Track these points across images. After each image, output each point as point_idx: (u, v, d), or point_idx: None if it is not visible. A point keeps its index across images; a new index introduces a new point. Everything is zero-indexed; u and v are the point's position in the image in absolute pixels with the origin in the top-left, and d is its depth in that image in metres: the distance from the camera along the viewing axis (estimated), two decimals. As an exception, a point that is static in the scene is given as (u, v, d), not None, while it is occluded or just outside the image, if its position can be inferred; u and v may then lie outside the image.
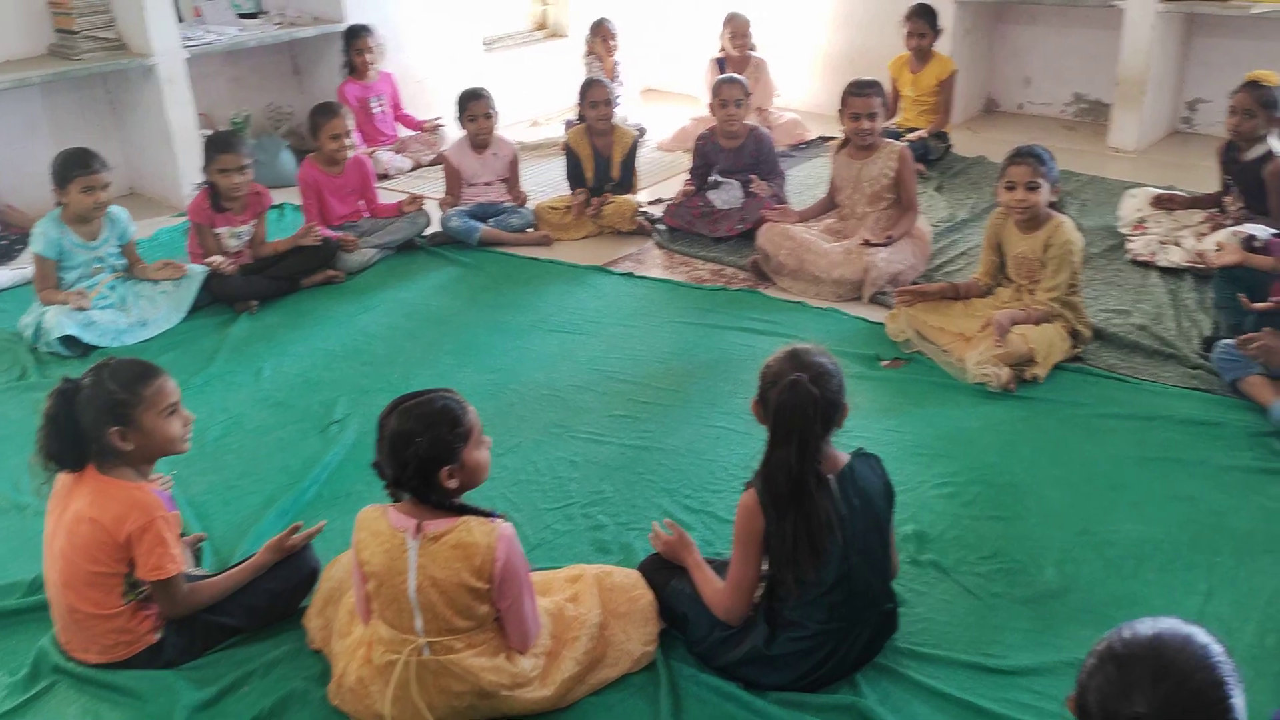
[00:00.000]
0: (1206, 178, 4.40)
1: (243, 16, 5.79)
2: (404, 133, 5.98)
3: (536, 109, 6.78)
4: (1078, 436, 3.10)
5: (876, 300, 4.02)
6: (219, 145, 4.13)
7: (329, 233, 4.41)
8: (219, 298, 4.14)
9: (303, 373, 3.67)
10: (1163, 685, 1.26)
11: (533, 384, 3.52)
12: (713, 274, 4.39)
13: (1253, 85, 3.97)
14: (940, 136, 5.57)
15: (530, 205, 4.94)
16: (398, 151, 5.86)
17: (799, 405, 2.03)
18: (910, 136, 5.40)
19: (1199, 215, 4.30)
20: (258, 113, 5.92)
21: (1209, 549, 2.58)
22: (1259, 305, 3.34)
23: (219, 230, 4.21)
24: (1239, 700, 1.26)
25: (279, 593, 2.37)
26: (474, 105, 4.80)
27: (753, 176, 4.76)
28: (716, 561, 2.34)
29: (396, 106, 5.95)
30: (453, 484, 2.00)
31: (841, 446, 2.24)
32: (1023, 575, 2.53)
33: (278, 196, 5.03)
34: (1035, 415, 3.22)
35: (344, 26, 5.70)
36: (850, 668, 2.20)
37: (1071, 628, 2.33)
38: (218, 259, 4.12)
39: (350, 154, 4.56)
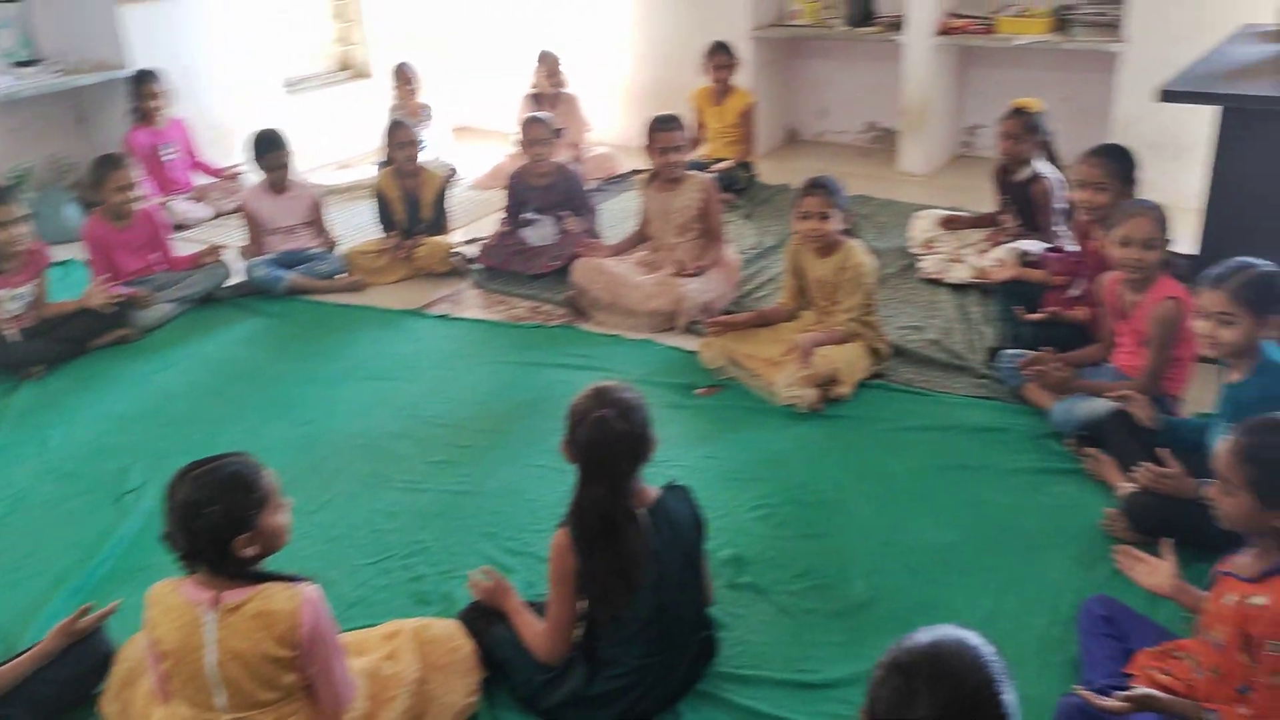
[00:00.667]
0: (987, 197, 4.70)
1: (19, 65, 5.47)
2: (202, 180, 5.76)
3: (344, 151, 6.66)
4: (881, 450, 3.25)
5: (690, 329, 4.11)
6: (-11, 199, 3.88)
7: (119, 290, 4.20)
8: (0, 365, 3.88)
9: (95, 439, 3.48)
10: (941, 690, 1.33)
11: (347, 435, 3.44)
12: (530, 311, 4.41)
13: (1018, 112, 4.28)
14: (745, 166, 5.76)
15: (341, 250, 4.84)
16: (196, 200, 5.65)
17: (606, 442, 2.06)
18: (716, 167, 5.58)
19: (980, 233, 4.58)
20: (39, 165, 5.60)
21: (1000, 549, 2.75)
22: (1033, 316, 3.60)
23: (-4, 293, 3.95)
24: (1010, 697, 1.35)
25: (67, 681, 2.21)
26: (269, 149, 4.68)
27: (566, 213, 4.82)
28: (538, 603, 2.34)
29: (191, 154, 5.73)
30: (249, 552, 1.93)
31: (660, 476, 2.29)
32: (833, 590, 2.63)
33: (65, 253, 4.77)
34: (841, 433, 3.36)
35: (129, 73, 5.47)
36: (672, 698, 2.24)
37: (879, 637, 2.41)
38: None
39: (138, 206, 4.36)
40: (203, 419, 3.59)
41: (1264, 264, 2.51)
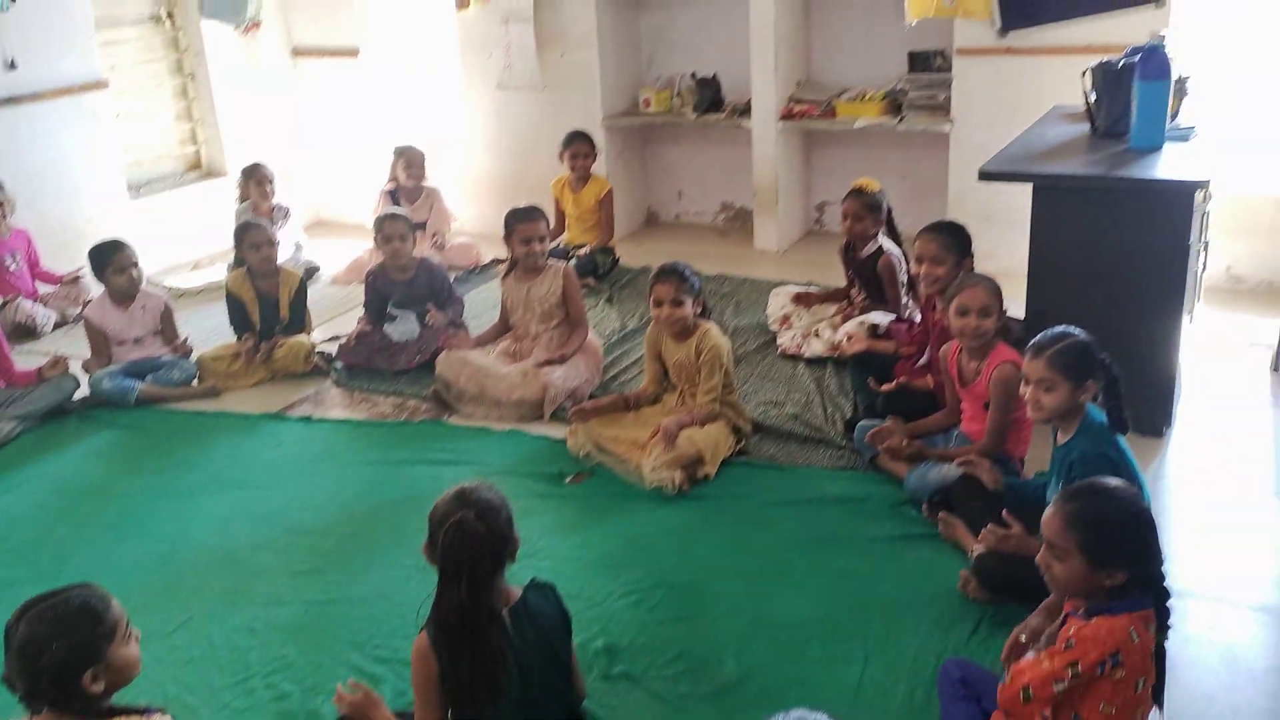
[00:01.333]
0: (839, 272, 4.91)
1: None
2: (45, 289, 5.56)
3: (196, 251, 6.53)
4: (746, 527, 3.33)
5: (557, 418, 4.15)
6: None
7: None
8: None
9: (-70, 572, 3.28)
10: None
11: (205, 549, 3.34)
12: (395, 408, 4.38)
13: (858, 192, 4.51)
14: (606, 251, 5.88)
15: (194, 356, 4.73)
16: (41, 304, 5.44)
17: (465, 544, 2.07)
18: (578, 253, 5.68)
19: (832, 308, 4.78)
20: None
21: (863, 618, 2.83)
22: (884, 387, 3.77)
23: None
24: None
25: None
26: (113, 259, 4.56)
27: (429, 306, 4.83)
28: (408, 713, 2.31)
29: (35, 264, 5.54)
30: (98, 688, 1.86)
31: (531, 567, 2.30)
32: (705, 671, 2.66)
33: (-105, 373, 4.51)
34: (708, 513, 3.43)
35: (-37, 183, 5.28)
36: (547, 797, 2.23)
37: (751, 714, 2.47)
38: None
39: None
40: (50, 543, 3.42)
41: (1078, 333, 2.70)
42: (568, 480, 3.68)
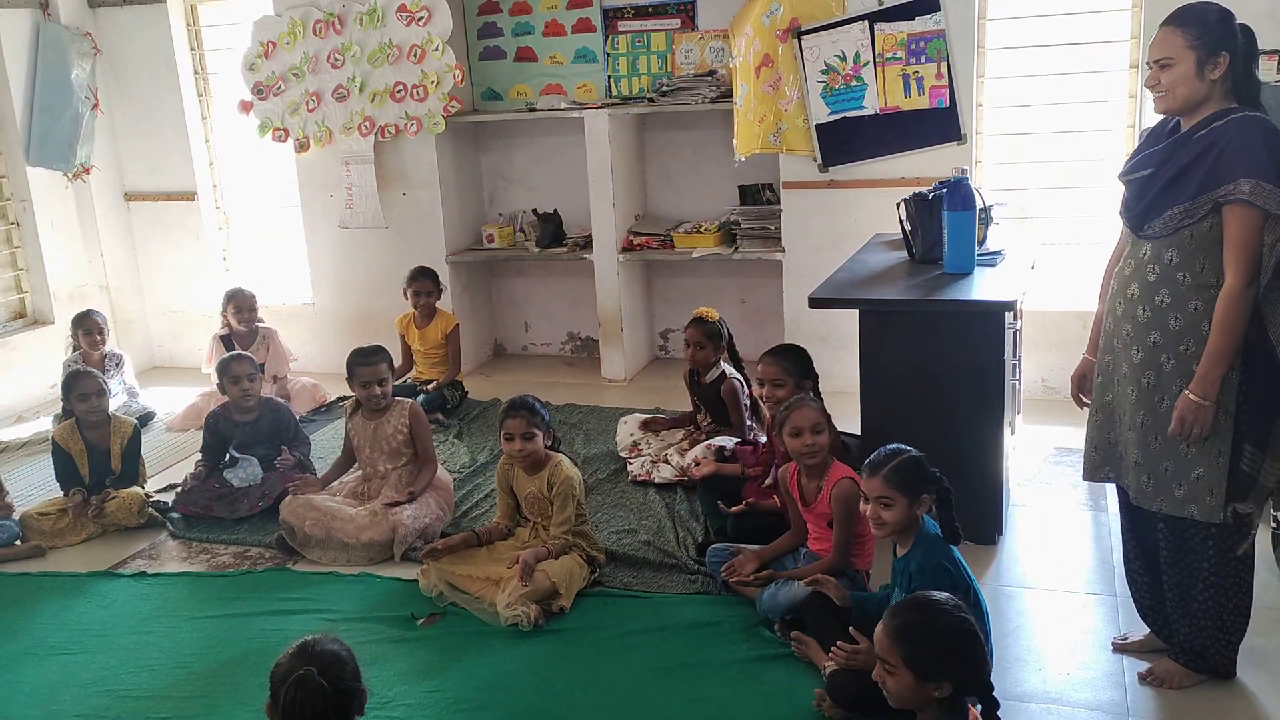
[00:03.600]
0: (685, 398, 5.04)
1: None
2: None
3: (20, 403, 6.22)
4: (604, 659, 3.31)
5: (408, 558, 4.06)
6: None
7: None
8: None
9: None
10: None
11: (27, 724, 3.10)
12: (236, 558, 4.21)
13: (698, 321, 4.68)
14: (454, 385, 5.88)
15: (17, 514, 4.46)
16: None
17: (308, 701, 2.01)
18: (425, 388, 5.66)
19: (680, 433, 4.88)
20: None
21: (723, 744, 2.85)
22: (733, 509, 3.86)
23: None
24: None
25: None
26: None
27: (282, 447, 4.71)
28: None
29: None
30: None
31: (384, 717, 2.23)
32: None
33: None
34: (565, 647, 3.39)
35: None
36: None
37: None
38: None
39: None
40: None
41: (909, 450, 2.86)
42: (420, 622, 3.60)
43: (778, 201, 5.80)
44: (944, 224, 3.99)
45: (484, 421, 5.63)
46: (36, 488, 4.87)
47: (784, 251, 5.73)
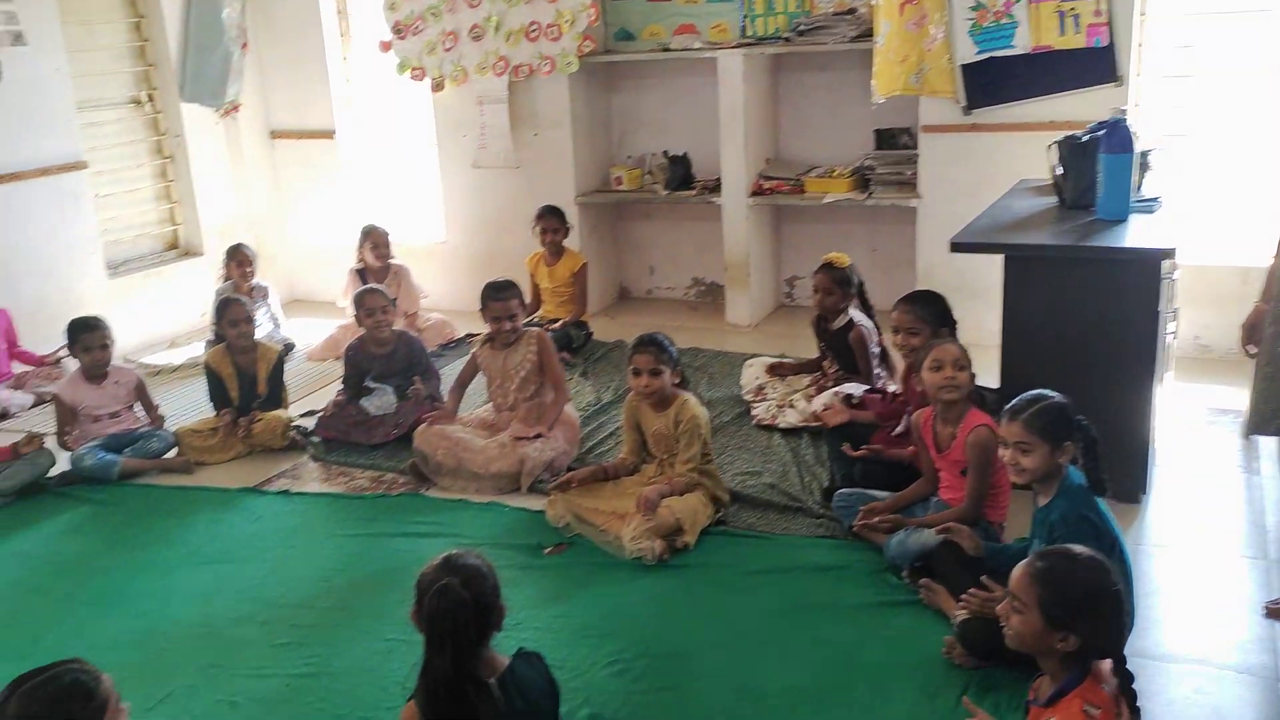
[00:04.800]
0: (810, 344, 4.98)
1: None
2: (21, 369, 5.54)
3: (173, 329, 6.54)
4: (728, 596, 3.33)
5: (534, 489, 4.15)
6: None
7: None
8: None
9: (-99, 653, 3.22)
10: None
11: (185, 624, 3.29)
12: (372, 481, 4.36)
13: (828, 267, 4.60)
14: (579, 325, 5.94)
15: (171, 429, 4.72)
16: (16, 387, 5.41)
17: (449, 610, 2.07)
18: (551, 327, 5.73)
19: (806, 379, 4.84)
20: None
21: (849, 686, 2.83)
22: (858, 452, 3.81)
23: None
24: None
25: None
26: (86, 336, 4.57)
27: (414, 379, 4.84)
28: (394, 785, 2.29)
29: (12, 344, 5.52)
30: (89, 763, 1.84)
31: (514, 637, 2.30)
32: (692, 742, 2.65)
33: None
34: (689, 582, 3.42)
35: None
36: None
37: (740, 784, 2.46)
38: None
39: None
40: (26, 621, 3.37)
41: (1054, 395, 2.77)
42: (547, 551, 3.68)
43: (915, 146, 5.64)
44: (1099, 167, 3.82)
45: (609, 361, 5.69)
46: (190, 408, 5.13)
47: (920, 198, 5.58)
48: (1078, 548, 2.23)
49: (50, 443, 4.49)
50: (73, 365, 4.88)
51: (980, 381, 3.82)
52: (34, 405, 5.35)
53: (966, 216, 4.23)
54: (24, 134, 5.68)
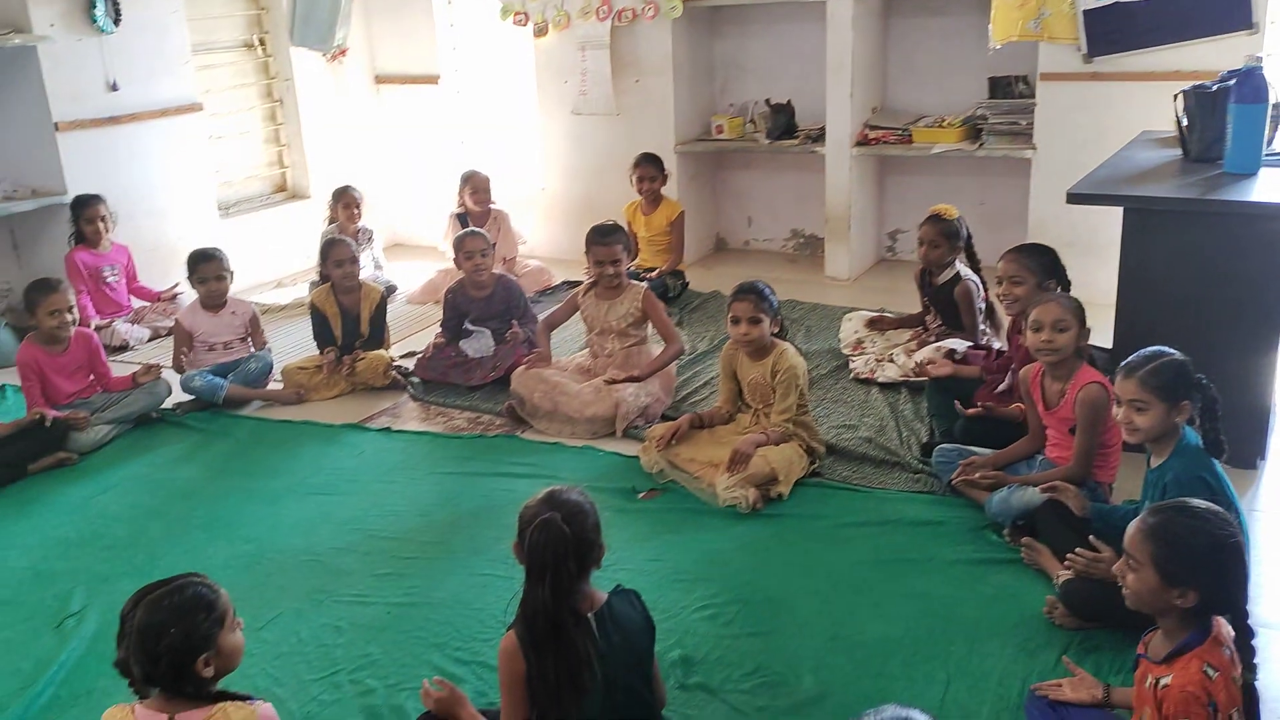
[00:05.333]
0: (911, 299, 4.88)
1: (-48, 192, 5.47)
2: (139, 304, 5.76)
3: (280, 270, 6.71)
4: (822, 547, 3.31)
5: (629, 434, 4.17)
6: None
7: (55, 413, 4.16)
8: (-69, 493, 3.81)
9: (32, 565, 3.40)
10: None
11: (291, 551, 3.41)
12: (470, 422, 4.44)
13: (935, 219, 4.48)
14: (676, 274, 5.92)
15: (277, 365, 4.86)
16: (134, 322, 5.64)
17: (550, 544, 2.10)
18: (647, 276, 5.72)
19: (907, 334, 4.75)
20: (-29, 291, 5.57)
21: (944, 640, 2.80)
22: (969, 410, 3.72)
23: (-73, 420, 3.89)
24: None
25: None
26: (205, 267, 4.73)
27: (511, 323, 4.89)
28: (491, 711, 2.34)
29: (132, 279, 5.74)
30: (209, 672, 1.93)
31: (607, 578, 2.32)
32: (783, 686, 2.65)
33: (-1, 379, 4.72)
34: (783, 531, 3.41)
35: (68, 199, 5.49)
36: (627, 801, 2.23)
37: (830, 730, 2.46)
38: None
39: (72, 330, 4.34)
40: (144, 541, 3.53)
41: (1173, 353, 2.66)
42: (640, 496, 3.70)
43: (1032, 95, 5.44)
44: (1228, 118, 3.63)
45: (704, 311, 5.66)
46: (295, 347, 5.27)
47: (1034, 149, 5.39)
48: (1194, 501, 2.15)
49: (167, 374, 4.66)
50: (189, 300, 5.05)
51: (1092, 341, 3.70)
52: (150, 339, 5.57)
53: (1084, 169, 4.07)
54: (143, 76, 5.86)
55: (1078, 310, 3.22)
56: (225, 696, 1.96)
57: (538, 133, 6.84)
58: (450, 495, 3.78)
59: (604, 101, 6.49)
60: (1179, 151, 4.00)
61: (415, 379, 4.86)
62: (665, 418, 4.19)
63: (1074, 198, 3.61)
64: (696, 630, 2.89)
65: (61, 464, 4.11)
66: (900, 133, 5.85)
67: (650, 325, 4.51)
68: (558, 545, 2.10)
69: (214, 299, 4.77)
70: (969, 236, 4.54)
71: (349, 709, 2.61)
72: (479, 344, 4.87)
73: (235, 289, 5.00)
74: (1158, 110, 4.31)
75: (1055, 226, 5.16)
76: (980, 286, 4.50)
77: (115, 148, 5.76)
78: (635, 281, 4.61)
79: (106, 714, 1.96)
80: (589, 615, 2.17)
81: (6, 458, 3.98)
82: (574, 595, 2.13)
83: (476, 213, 6.22)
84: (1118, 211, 3.60)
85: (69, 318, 4.28)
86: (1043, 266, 3.68)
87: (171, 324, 5.51)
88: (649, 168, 5.89)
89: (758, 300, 3.70)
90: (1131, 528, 2.11)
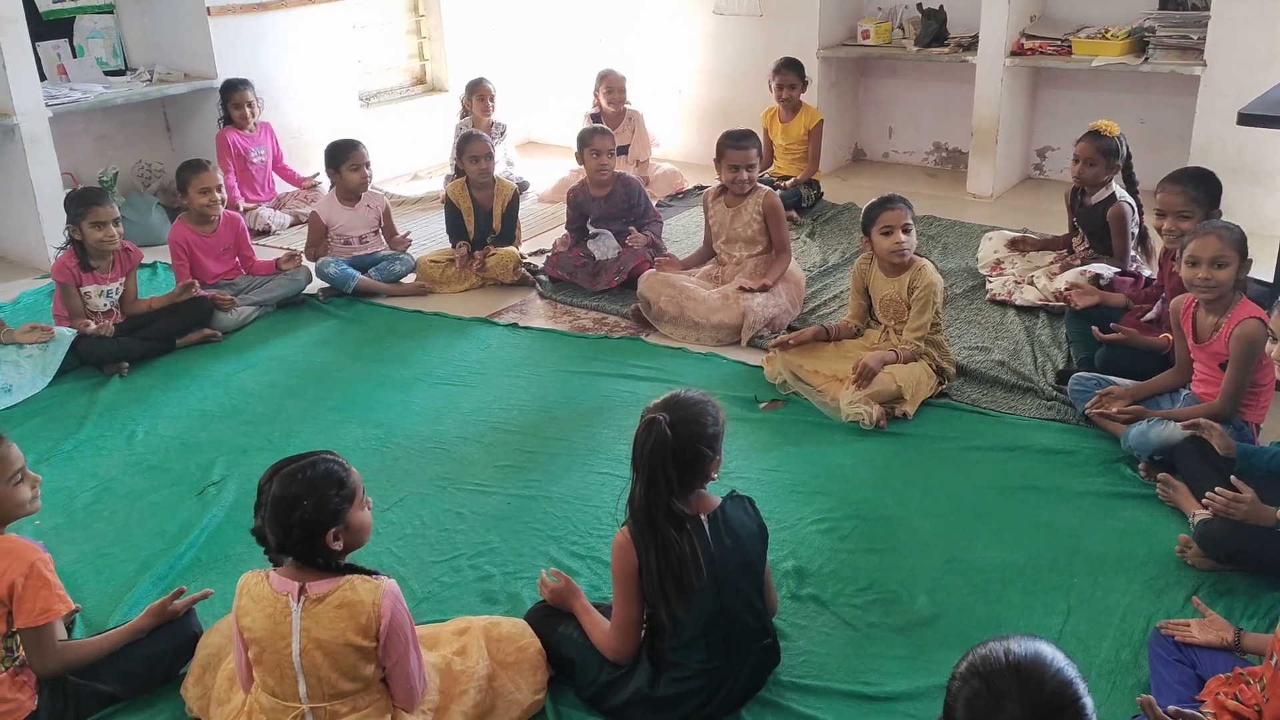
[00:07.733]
0: (1056, 220, 4.67)
1: (109, 74, 5.68)
2: (281, 188, 5.93)
3: (416, 163, 6.81)
4: (945, 469, 3.25)
5: (754, 344, 4.13)
6: (88, 199, 4.04)
7: (204, 291, 4.36)
8: (87, 360, 4.03)
9: (178, 435, 3.60)
10: (1027, 693, 1.34)
11: (417, 437, 3.52)
12: (595, 323, 4.46)
13: (1094, 135, 4.23)
14: (811, 184, 5.78)
15: (413, 253, 4.96)
16: (276, 208, 5.82)
17: (650, 443, 2.09)
18: (783, 185, 5.60)
19: (1049, 256, 4.55)
20: (126, 170, 5.80)
21: (1067, 571, 2.73)
22: (1108, 336, 3.56)
23: (86, 289, 4.11)
24: (1088, 700, 1.36)
25: (157, 658, 2.32)
26: (348, 156, 4.81)
27: (629, 226, 4.86)
28: (604, 605, 2.38)
29: (278, 159, 5.91)
30: (338, 546, 2.00)
31: (724, 486, 2.32)
32: (897, 605, 2.63)
33: (149, 256, 4.93)
34: (905, 450, 3.36)
35: (217, 83, 5.65)
36: (735, 703, 2.26)
37: (943, 653, 2.43)
38: (93, 324, 4.03)
39: (222, 210, 4.50)
40: (281, 418, 3.69)
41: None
42: (762, 406, 3.68)
43: (1206, 7, 5.05)
44: None
45: (837, 224, 5.53)
46: (427, 240, 5.36)
47: (1204, 65, 5.02)
48: None
49: (306, 261, 4.82)
50: (328, 187, 5.17)
51: (1253, 273, 3.48)
52: (291, 225, 5.75)
53: (1257, 89, 3.80)
54: (290, -36, 5.93)
55: (1238, 243, 3.02)
56: (353, 570, 2.04)
57: (677, 32, 6.70)
58: (573, 393, 3.83)
59: (747, 2, 6.30)
60: (1372, 71, 3.68)
61: (544, 276, 4.90)
62: (791, 329, 4.13)
63: (1246, 119, 3.36)
64: (811, 543, 2.88)
65: (207, 340, 4.30)
66: (1059, 43, 5.52)
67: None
68: (657, 446, 2.09)
69: (352, 189, 4.86)
70: (1128, 156, 4.28)
71: (467, 592, 2.71)
72: (604, 245, 4.86)
73: (373, 181, 5.08)
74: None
75: (1220, 151, 4.83)
76: (1135, 209, 4.25)
77: (263, 34, 5.88)
78: (762, 186, 4.51)
79: (243, 577, 2.07)
80: (701, 516, 2.18)
81: (157, 332, 4.18)
82: (672, 495, 2.12)
83: (610, 113, 6.15)
84: (1293, 135, 3.35)
85: (218, 196, 4.44)
86: (1209, 196, 3.45)
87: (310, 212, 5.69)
88: (789, 74, 5.71)
89: (909, 210, 3.59)
90: None
